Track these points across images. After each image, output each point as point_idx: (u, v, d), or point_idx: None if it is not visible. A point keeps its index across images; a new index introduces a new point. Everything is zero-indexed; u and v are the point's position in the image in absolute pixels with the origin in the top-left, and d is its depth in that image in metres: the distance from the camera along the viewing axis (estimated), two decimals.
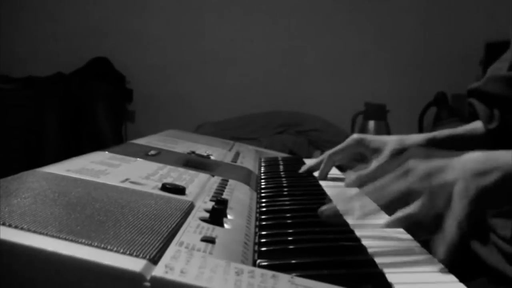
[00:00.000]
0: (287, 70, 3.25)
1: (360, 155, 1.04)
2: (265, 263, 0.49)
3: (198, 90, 3.25)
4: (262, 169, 1.06)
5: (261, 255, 0.52)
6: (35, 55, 3.21)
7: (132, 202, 0.54)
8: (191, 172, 0.79)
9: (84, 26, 3.23)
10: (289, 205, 0.74)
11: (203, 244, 0.46)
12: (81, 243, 0.39)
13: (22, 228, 0.40)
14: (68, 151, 2.21)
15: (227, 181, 0.79)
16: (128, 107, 3.25)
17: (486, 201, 0.58)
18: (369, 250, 0.54)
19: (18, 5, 3.21)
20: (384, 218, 0.63)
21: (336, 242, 0.58)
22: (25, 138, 2.81)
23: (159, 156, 0.89)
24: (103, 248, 0.39)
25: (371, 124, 2.76)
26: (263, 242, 0.56)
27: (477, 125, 0.99)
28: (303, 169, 1.04)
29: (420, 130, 2.88)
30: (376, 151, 0.98)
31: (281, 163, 1.13)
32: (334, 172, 1.06)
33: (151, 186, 0.63)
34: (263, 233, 0.59)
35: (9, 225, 0.40)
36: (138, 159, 0.82)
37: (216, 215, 0.56)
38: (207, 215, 0.56)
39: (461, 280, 0.48)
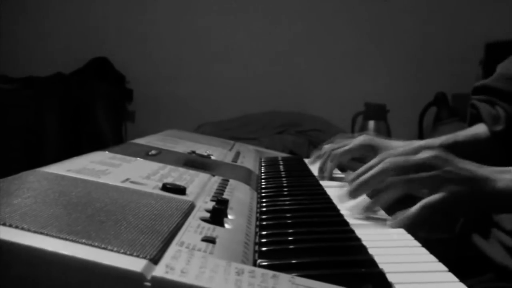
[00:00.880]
0: (287, 70, 3.25)
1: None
2: (266, 263, 0.49)
3: (198, 90, 3.25)
4: (263, 169, 1.06)
5: (262, 255, 0.52)
6: (35, 55, 3.20)
7: (132, 202, 0.54)
8: (192, 172, 0.79)
9: (84, 26, 3.23)
10: (289, 205, 0.74)
11: (204, 244, 0.46)
12: (81, 243, 0.39)
13: (22, 228, 0.40)
14: (68, 151, 2.20)
15: (228, 181, 0.79)
16: (128, 107, 3.25)
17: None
18: (369, 250, 0.54)
19: (18, 5, 3.21)
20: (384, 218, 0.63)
21: (336, 242, 0.58)
22: (25, 138, 2.80)
23: (160, 156, 0.89)
24: (104, 248, 0.39)
25: (371, 124, 2.76)
26: (264, 242, 0.56)
27: (478, 130, 0.98)
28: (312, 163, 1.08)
29: (420, 130, 2.88)
30: None
31: (281, 163, 1.14)
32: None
33: (152, 186, 0.63)
34: (264, 233, 0.59)
35: (10, 225, 0.40)
36: (138, 159, 0.82)
37: (217, 215, 0.56)
38: (207, 215, 0.56)
39: (468, 276, 0.48)
